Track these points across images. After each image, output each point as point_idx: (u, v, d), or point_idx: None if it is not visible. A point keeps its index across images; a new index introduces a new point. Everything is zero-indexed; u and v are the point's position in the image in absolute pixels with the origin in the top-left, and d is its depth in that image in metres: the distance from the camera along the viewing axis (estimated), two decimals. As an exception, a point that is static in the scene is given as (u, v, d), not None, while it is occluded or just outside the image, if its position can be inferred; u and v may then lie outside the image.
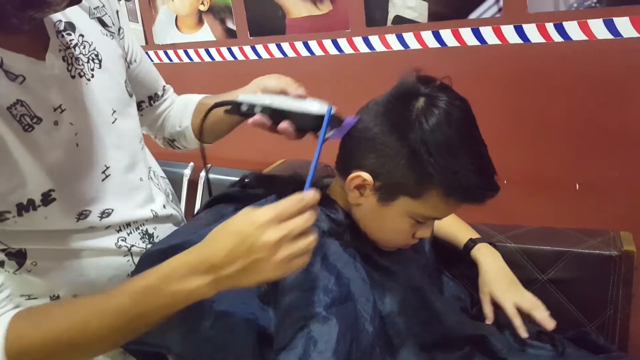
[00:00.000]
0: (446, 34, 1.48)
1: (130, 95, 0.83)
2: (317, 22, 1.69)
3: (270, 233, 0.56)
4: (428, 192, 0.70)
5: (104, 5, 0.80)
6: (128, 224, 0.81)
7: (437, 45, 1.51)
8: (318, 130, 0.69)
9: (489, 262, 0.95)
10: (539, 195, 1.50)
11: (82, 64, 0.73)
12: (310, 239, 0.59)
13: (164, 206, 0.89)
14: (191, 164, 2.12)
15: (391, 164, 0.70)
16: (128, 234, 0.81)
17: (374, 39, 1.60)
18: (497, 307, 0.90)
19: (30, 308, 0.64)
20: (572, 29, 1.31)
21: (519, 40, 1.39)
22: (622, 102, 1.33)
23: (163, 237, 0.84)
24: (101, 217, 0.75)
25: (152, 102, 0.97)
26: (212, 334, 0.68)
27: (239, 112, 0.75)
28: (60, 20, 0.71)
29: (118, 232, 0.79)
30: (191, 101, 0.98)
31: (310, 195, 0.60)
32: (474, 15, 1.42)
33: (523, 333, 0.85)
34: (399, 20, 1.54)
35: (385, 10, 1.55)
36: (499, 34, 1.41)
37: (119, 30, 0.84)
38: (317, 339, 0.65)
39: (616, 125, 1.35)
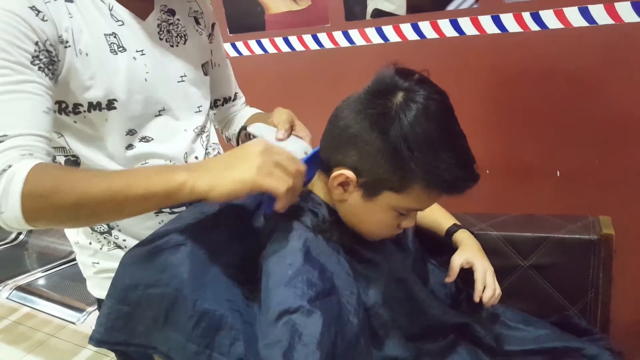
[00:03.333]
0: (425, 26, 1.49)
1: (205, 74, 1.01)
2: (296, 18, 1.68)
3: (259, 146, 0.68)
4: (411, 186, 0.71)
5: (202, 12, 1.02)
6: None
7: (417, 37, 1.51)
8: None
9: (470, 242, 0.98)
10: (521, 183, 1.51)
11: (172, 37, 0.94)
12: (288, 177, 0.68)
13: (197, 158, 0.97)
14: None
15: (373, 161, 0.71)
16: None
17: (354, 33, 1.60)
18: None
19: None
20: (548, 17, 1.33)
21: (496, 30, 1.40)
22: (600, 89, 1.34)
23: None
24: (141, 140, 0.89)
25: (225, 102, 1.17)
26: (197, 332, 0.68)
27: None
28: (165, 5, 0.93)
29: None
30: (249, 113, 1.16)
31: (301, 163, 0.71)
32: (451, 7, 1.43)
33: (476, 297, 0.90)
34: (378, 13, 1.54)
35: (364, 4, 1.55)
36: (476, 24, 1.42)
37: (210, 36, 1.05)
38: (302, 331, 0.65)
39: (595, 112, 1.37)
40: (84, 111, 0.82)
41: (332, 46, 1.66)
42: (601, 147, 1.39)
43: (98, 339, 0.73)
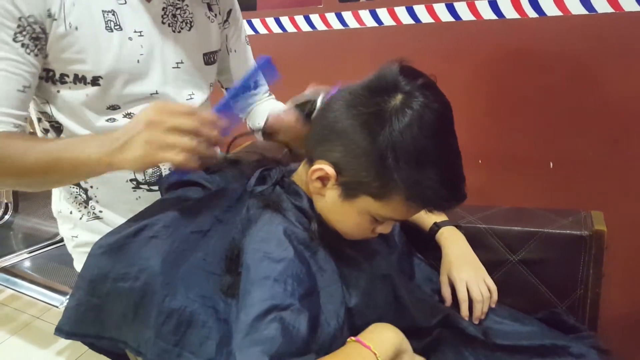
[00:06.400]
0: (420, 10, 1.44)
1: (208, 63, 1.02)
2: (288, -2, 1.64)
3: (150, 114, 0.66)
4: (391, 195, 0.67)
5: None
6: None
7: (411, 21, 1.47)
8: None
9: (451, 245, 0.94)
10: (513, 174, 1.49)
11: (176, 22, 0.94)
12: (183, 141, 0.65)
13: None
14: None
15: (357, 162, 0.67)
16: None
17: (347, 15, 1.56)
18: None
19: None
20: (547, 4, 1.29)
21: (493, 16, 1.36)
22: (597, 80, 1.31)
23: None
24: (125, 116, 0.90)
25: None
26: (167, 329, 0.65)
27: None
28: None
29: None
30: (267, 108, 1.12)
31: (206, 113, 0.68)
32: (448, -10, 1.38)
33: (465, 317, 0.88)
34: (372, -5, 1.49)
35: (358, -15, 1.50)
36: (473, 9, 1.37)
37: (225, 22, 1.06)
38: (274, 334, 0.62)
39: (591, 103, 1.34)
40: (70, 82, 0.85)
41: (325, 28, 1.61)
42: (596, 139, 1.36)
43: (67, 331, 0.71)
